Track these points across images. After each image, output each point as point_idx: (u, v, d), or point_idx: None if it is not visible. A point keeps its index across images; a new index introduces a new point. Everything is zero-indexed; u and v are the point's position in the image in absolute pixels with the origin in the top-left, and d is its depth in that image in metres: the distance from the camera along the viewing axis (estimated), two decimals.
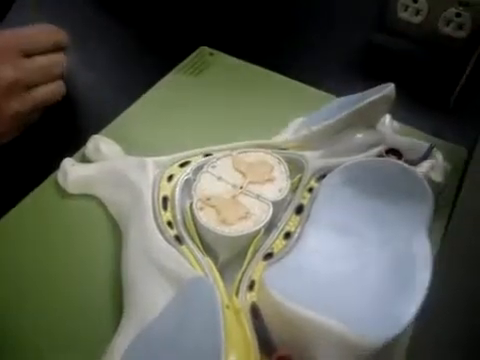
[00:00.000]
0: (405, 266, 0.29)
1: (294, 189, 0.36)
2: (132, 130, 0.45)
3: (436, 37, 0.53)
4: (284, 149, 0.39)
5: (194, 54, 0.54)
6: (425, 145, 0.38)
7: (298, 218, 0.34)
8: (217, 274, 0.31)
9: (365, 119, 0.38)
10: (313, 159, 0.37)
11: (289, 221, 0.34)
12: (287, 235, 0.33)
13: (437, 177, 0.36)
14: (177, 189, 0.35)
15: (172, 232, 0.33)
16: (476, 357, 0.29)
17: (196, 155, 0.38)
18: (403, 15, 0.53)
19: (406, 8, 0.53)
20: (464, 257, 0.33)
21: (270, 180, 0.36)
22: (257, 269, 0.31)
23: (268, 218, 0.33)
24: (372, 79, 0.41)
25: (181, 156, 0.38)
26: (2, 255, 0.36)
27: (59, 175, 0.40)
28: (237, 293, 0.30)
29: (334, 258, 0.31)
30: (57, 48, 0.44)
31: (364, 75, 0.54)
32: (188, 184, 0.36)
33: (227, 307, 0.28)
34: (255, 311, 0.28)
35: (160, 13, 0.62)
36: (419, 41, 0.55)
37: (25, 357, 0.31)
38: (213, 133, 0.43)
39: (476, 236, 0.33)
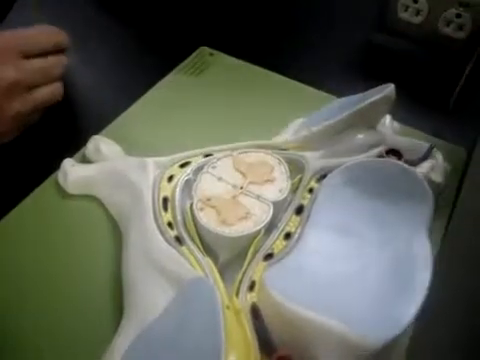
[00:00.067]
0: (405, 266, 0.29)
1: (294, 189, 0.36)
2: (132, 130, 0.45)
3: (436, 37, 0.53)
4: (284, 149, 0.39)
5: (194, 54, 0.54)
6: (425, 146, 0.38)
7: (298, 218, 0.34)
8: (217, 275, 0.31)
9: (365, 120, 0.38)
10: (313, 159, 0.37)
11: (289, 222, 0.34)
12: (287, 235, 0.33)
13: (437, 177, 0.36)
14: (177, 190, 0.35)
15: (172, 233, 0.33)
16: (476, 358, 0.29)
17: (196, 155, 0.38)
18: (403, 15, 0.53)
19: (406, 8, 0.53)
20: (464, 257, 0.33)
21: (270, 180, 0.36)
22: (257, 270, 0.31)
23: (268, 218, 0.33)
24: (372, 79, 0.41)
25: (181, 156, 0.38)
26: (3, 255, 0.36)
27: (59, 175, 0.40)
28: (237, 294, 0.30)
29: (334, 258, 0.31)
30: (57, 49, 0.44)
31: (364, 75, 0.54)
32: (188, 185, 0.36)
33: (227, 308, 0.28)
34: (255, 311, 0.28)
35: (160, 13, 0.62)
36: (419, 41, 0.55)
37: (25, 357, 0.31)
38: (213, 133, 0.43)
39: (476, 236, 0.33)
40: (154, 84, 0.50)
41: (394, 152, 0.37)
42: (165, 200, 0.35)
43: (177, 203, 0.34)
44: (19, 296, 0.34)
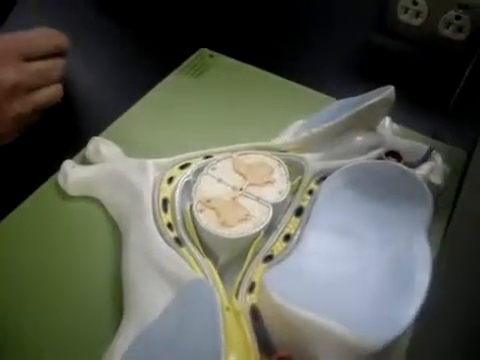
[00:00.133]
0: (405, 268, 0.29)
1: (294, 191, 0.36)
2: (132, 132, 0.45)
3: (436, 39, 0.53)
4: (284, 151, 0.39)
5: (194, 56, 0.54)
6: (424, 147, 0.38)
7: (298, 220, 0.34)
8: (217, 276, 0.31)
9: (365, 121, 0.38)
10: (313, 161, 0.37)
11: (289, 223, 0.34)
12: (287, 237, 0.33)
13: (436, 179, 0.36)
14: (177, 191, 0.35)
15: (172, 234, 0.33)
16: (476, 359, 0.29)
17: (196, 157, 0.38)
18: (403, 17, 0.54)
19: (406, 10, 0.53)
20: (463, 259, 0.33)
21: (270, 182, 0.36)
22: (257, 271, 0.31)
23: (268, 220, 0.33)
24: (372, 81, 0.41)
25: (181, 158, 0.38)
26: (3, 256, 0.36)
27: (59, 177, 0.40)
28: (237, 295, 0.30)
29: (334, 260, 0.32)
30: (58, 52, 0.44)
31: (364, 77, 0.54)
32: (188, 186, 0.36)
33: (227, 309, 0.28)
34: (255, 313, 0.28)
35: (160, 15, 0.62)
36: (419, 43, 0.55)
37: (25, 357, 0.31)
38: (213, 135, 0.43)
39: (475, 238, 0.33)
40: (154, 85, 0.50)
41: (394, 154, 0.37)
42: (165, 201, 0.35)
43: (177, 204, 0.34)
44: (19, 296, 0.34)
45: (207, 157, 0.38)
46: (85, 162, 0.41)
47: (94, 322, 0.32)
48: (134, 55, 0.57)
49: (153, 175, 0.37)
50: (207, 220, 0.33)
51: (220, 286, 0.30)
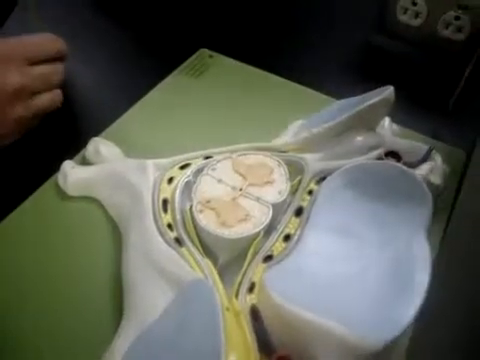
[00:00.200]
0: (404, 268, 0.29)
1: (294, 191, 0.36)
2: (132, 132, 0.45)
3: (435, 40, 0.53)
4: (284, 151, 0.39)
5: (194, 56, 0.54)
6: (424, 147, 0.38)
7: (298, 220, 0.34)
8: (217, 276, 0.31)
9: (365, 122, 0.38)
10: (313, 161, 0.37)
11: (289, 223, 0.34)
12: (287, 237, 0.33)
13: (436, 179, 0.36)
14: (177, 191, 0.35)
15: (172, 234, 0.33)
16: (476, 359, 0.29)
17: (196, 157, 0.38)
18: (402, 18, 0.54)
19: (405, 11, 0.53)
20: (463, 259, 0.33)
21: (270, 182, 0.36)
22: (257, 271, 0.31)
23: (268, 220, 0.33)
24: (371, 81, 0.41)
25: (181, 158, 0.38)
26: (3, 257, 0.36)
27: (59, 177, 0.40)
28: (237, 295, 0.30)
29: (334, 260, 0.32)
30: (59, 57, 0.44)
31: (363, 77, 0.54)
32: (188, 186, 0.36)
33: (227, 309, 0.28)
34: (255, 313, 0.28)
35: (159, 15, 0.62)
36: (418, 44, 0.55)
37: (25, 357, 0.31)
38: (213, 135, 0.43)
39: (475, 238, 0.33)
40: (153, 86, 0.50)
41: (393, 154, 0.37)
42: (165, 202, 0.35)
43: (177, 205, 0.35)
44: (19, 297, 0.34)
45: (207, 157, 0.38)
46: (85, 163, 0.41)
47: (94, 322, 0.32)
48: (133, 56, 0.57)
49: (153, 175, 0.37)
50: (207, 220, 0.33)
51: (220, 286, 0.30)
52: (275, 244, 0.33)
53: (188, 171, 0.37)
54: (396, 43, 0.57)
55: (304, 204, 0.35)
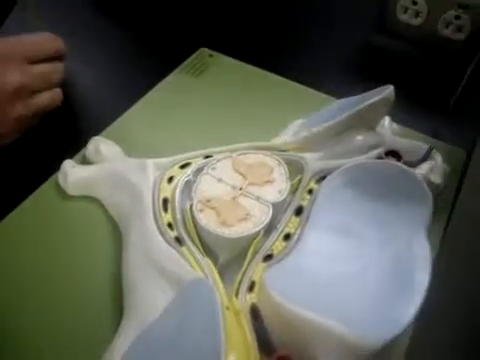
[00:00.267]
0: (405, 267, 0.29)
1: (294, 191, 0.36)
2: (132, 131, 0.45)
3: (435, 39, 0.53)
4: (284, 151, 0.39)
5: (194, 55, 0.54)
6: (424, 147, 0.38)
7: (298, 220, 0.34)
8: (217, 275, 0.31)
9: (365, 121, 0.38)
10: (313, 161, 0.37)
11: (289, 223, 0.34)
12: (287, 236, 0.33)
13: (436, 179, 0.36)
14: (177, 191, 0.35)
15: (172, 233, 0.33)
16: (476, 359, 0.29)
17: (196, 157, 0.38)
18: (403, 17, 0.54)
19: (405, 10, 0.53)
20: (463, 259, 0.33)
21: (270, 182, 0.36)
22: (257, 270, 0.31)
23: (268, 220, 0.33)
24: (371, 81, 0.41)
25: (181, 158, 0.38)
26: (3, 256, 0.36)
27: (59, 177, 0.40)
28: (237, 294, 0.30)
29: (334, 259, 0.32)
30: (58, 56, 0.44)
31: (363, 76, 0.54)
32: (188, 186, 0.36)
33: (227, 308, 0.28)
34: (255, 312, 0.28)
35: (159, 15, 0.62)
36: (418, 43, 0.55)
37: (25, 357, 0.31)
38: (213, 134, 0.43)
39: (475, 238, 0.33)
40: (154, 85, 0.50)
41: (393, 153, 0.37)
42: (165, 201, 0.35)
43: (177, 204, 0.35)
44: (19, 296, 0.34)
45: (207, 157, 0.38)
46: (85, 162, 0.41)
47: (94, 322, 0.32)
48: (133, 55, 0.57)
49: (153, 175, 0.37)
50: (207, 220, 0.33)
51: (220, 285, 0.30)
52: (275, 243, 0.33)
53: (188, 170, 0.37)
54: (396, 42, 0.57)
55: (304, 203, 0.35)
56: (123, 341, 0.29)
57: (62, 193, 0.39)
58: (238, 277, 0.31)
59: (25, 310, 0.33)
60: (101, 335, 0.31)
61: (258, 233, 0.33)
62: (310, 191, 0.36)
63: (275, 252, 0.33)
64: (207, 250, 0.33)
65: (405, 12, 0.53)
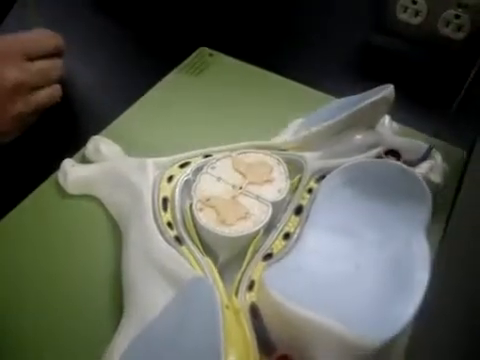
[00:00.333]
0: (404, 266, 0.29)
1: (293, 190, 0.36)
2: (132, 131, 0.45)
3: (435, 38, 0.53)
4: (283, 150, 0.39)
5: (194, 55, 0.54)
6: (424, 146, 0.38)
7: (297, 219, 0.34)
8: (217, 274, 0.31)
9: (364, 120, 0.38)
10: (312, 160, 0.37)
11: (288, 222, 0.34)
12: (286, 236, 0.33)
13: (436, 178, 0.36)
14: (177, 190, 0.35)
15: (172, 233, 0.33)
16: (476, 359, 0.29)
17: (196, 156, 0.38)
18: (402, 16, 0.54)
19: (405, 9, 0.53)
20: (463, 258, 0.33)
21: (269, 181, 0.36)
22: (256, 269, 0.31)
23: (267, 219, 0.33)
24: (371, 80, 0.41)
25: (181, 157, 0.38)
26: (3, 255, 0.36)
27: (59, 176, 0.40)
28: (236, 293, 0.30)
29: (333, 259, 0.32)
30: (56, 52, 0.44)
31: (363, 76, 0.54)
32: (188, 185, 0.36)
33: (227, 307, 0.28)
34: (254, 311, 0.28)
35: (159, 14, 0.62)
36: (418, 42, 0.55)
37: (25, 357, 0.31)
38: (213, 133, 0.43)
39: (475, 237, 0.33)
40: (153, 84, 0.50)
41: (393, 153, 0.37)
42: (165, 200, 0.35)
43: (177, 203, 0.35)
44: (19, 296, 0.34)
45: (207, 156, 0.38)
46: (85, 161, 0.41)
47: (94, 321, 0.32)
48: (133, 54, 0.57)
49: (153, 174, 0.37)
50: (207, 219, 0.33)
51: (220, 284, 0.30)
52: (275, 242, 0.33)
53: (188, 169, 0.37)
54: (396, 41, 0.57)
55: (304, 202, 0.35)
56: (123, 340, 0.29)
57: (62, 192, 0.39)
58: (238, 276, 0.31)
59: (25, 309, 0.33)
60: (101, 334, 0.31)
61: (258, 232, 0.33)
62: (310, 190, 0.36)
63: (275, 251, 0.33)
64: (207, 249, 0.33)
65: (405, 11, 0.53)
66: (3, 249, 0.36)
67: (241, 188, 0.35)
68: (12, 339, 0.32)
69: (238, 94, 0.50)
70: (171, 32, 0.59)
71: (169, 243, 0.32)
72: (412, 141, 0.39)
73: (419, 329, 0.28)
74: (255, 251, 0.32)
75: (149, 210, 0.34)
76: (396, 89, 0.37)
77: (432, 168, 0.36)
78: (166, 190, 0.36)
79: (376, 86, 0.38)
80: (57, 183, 0.40)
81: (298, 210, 0.35)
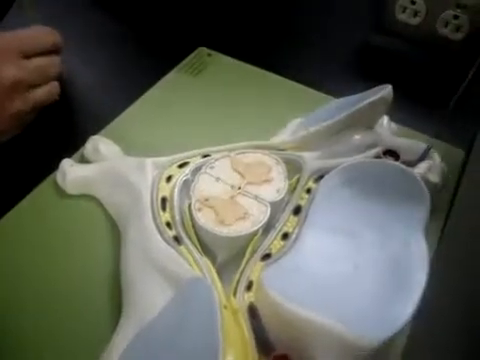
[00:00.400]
0: (402, 266, 0.29)
1: (292, 190, 0.36)
2: (131, 131, 0.45)
3: (434, 39, 0.53)
4: (282, 150, 0.39)
5: (192, 55, 0.54)
6: (422, 146, 0.38)
7: (296, 219, 0.34)
8: (215, 274, 0.31)
9: (363, 120, 0.38)
10: (311, 160, 0.37)
11: (287, 222, 0.34)
12: (285, 236, 0.34)
13: (434, 178, 0.36)
14: (176, 190, 0.35)
15: (171, 233, 0.33)
16: (473, 358, 0.29)
17: (194, 156, 0.39)
18: (401, 16, 0.54)
19: (404, 9, 0.53)
20: (461, 258, 0.33)
21: (268, 181, 0.36)
22: (255, 269, 0.31)
23: (266, 219, 0.33)
24: (370, 80, 0.41)
25: (180, 157, 0.38)
26: (1, 256, 0.36)
27: (58, 175, 0.40)
28: (235, 293, 0.30)
29: (332, 259, 0.32)
30: (53, 49, 0.44)
31: (362, 76, 0.54)
32: (187, 185, 0.36)
33: (225, 307, 0.28)
34: (253, 311, 0.29)
35: (158, 14, 0.62)
36: (417, 42, 0.55)
37: (25, 357, 0.31)
38: (211, 133, 0.43)
39: (473, 237, 0.33)
40: (152, 84, 0.50)
41: (391, 153, 0.37)
42: (163, 200, 0.35)
43: (175, 203, 0.35)
44: (18, 297, 0.34)
45: (205, 156, 0.38)
46: (84, 161, 0.41)
47: (94, 321, 0.32)
48: (132, 54, 0.57)
49: (151, 174, 0.37)
50: (205, 219, 0.33)
51: (218, 284, 0.30)
52: (273, 242, 0.33)
53: (186, 169, 0.37)
54: (395, 42, 0.57)
55: (302, 202, 0.35)
56: (121, 340, 0.29)
57: (60, 192, 0.39)
58: (236, 276, 0.31)
59: (24, 310, 0.33)
60: (100, 335, 0.31)
61: (256, 232, 0.33)
62: (308, 190, 0.36)
63: (273, 251, 0.33)
64: (205, 249, 0.33)
65: (403, 11, 0.53)
66: (2, 249, 0.36)
67: (240, 188, 0.35)
68: (12, 339, 0.32)
69: (237, 94, 0.50)
70: (170, 32, 0.59)
71: (168, 243, 0.32)
72: (410, 141, 0.39)
73: (417, 329, 0.28)
74: (253, 251, 0.32)
75: (148, 210, 0.34)
76: (395, 89, 0.37)
77: (430, 168, 0.36)
78: (165, 190, 0.36)
79: (375, 86, 0.38)
80: (56, 183, 0.40)
81: (297, 210, 0.35)
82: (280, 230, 0.34)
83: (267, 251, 0.32)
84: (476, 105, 0.49)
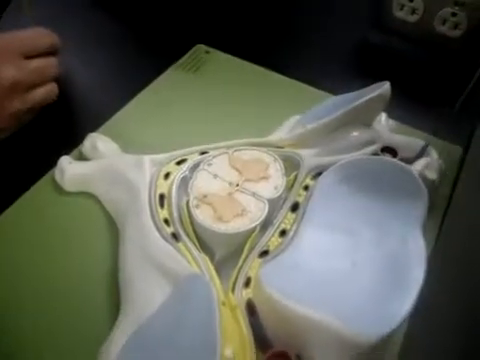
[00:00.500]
0: (399, 263, 0.29)
1: (290, 187, 0.36)
2: (129, 128, 0.45)
3: (432, 36, 0.53)
4: (280, 147, 0.39)
5: (190, 52, 0.54)
6: (420, 143, 0.38)
7: (294, 216, 0.34)
8: (213, 271, 0.31)
9: (361, 117, 0.38)
10: (309, 157, 0.37)
11: (285, 219, 0.34)
12: (283, 233, 0.34)
13: (432, 175, 0.36)
14: (174, 187, 0.35)
15: (169, 229, 0.33)
16: (471, 357, 0.29)
17: (192, 153, 0.39)
18: (399, 14, 0.54)
19: (402, 7, 0.53)
20: (458, 255, 0.33)
21: (266, 178, 0.36)
22: (253, 266, 0.31)
23: (264, 215, 0.33)
24: (368, 77, 0.41)
25: (178, 154, 0.38)
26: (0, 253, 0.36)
27: (56, 173, 0.40)
28: (233, 290, 0.30)
29: (329, 255, 0.32)
30: (52, 50, 0.44)
31: (360, 73, 0.54)
32: (184, 182, 0.36)
33: (223, 304, 0.28)
34: (251, 308, 0.29)
35: (156, 11, 0.62)
36: (415, 40, 0.55)
37: (24, 355, 0.31)
38: (209, 131, 0.43)
39: (470, 235, 0.33)
40: (150, 82, 0.50)
41: (389, 150, 0.37)
42: (161, 197, 0.35)
43: (173, 200, 0.35)
44: (17, 294, 0.34)
45: (203, 153, 0.38)
46: (82, 158, 0.41)
47: (92, 319, 0.32)
48: (130, 52, 0.57)
49: (149, 171, 0.37)
50: (203, 215, 0.33)
51: (216, 281, 0.30)
52: (271, 239, 0.33)
53: (184, 166, 0.37)
54: (392, 39, 0.57)
55: (300, 199, 0.35)
56: (120, 336, 0.29)
57: (59, 189, 0.39)
58: (234, 273, 0.31)
59: (23, 308, 0.33)
60: (99, 333, 0.31)
61: (254, 229, 0.33)
62: (306, 187, 0.36)
63: (271, 248, 0.33)
64: (203, 246, 0.33)
65: (401, 9, 0.53)
66: (0, 247, 0.36)
67: (237, 185, 0.35)
68: (11, 338, 0.32)
69: (235, 91, 0.50)
70: (168, 29, 0.59)
71: (166, 240, 0.32)
72: (408, 138, 0.39)
73: (414, 326, 0.28)
74: (251, 248, 0.32)
75: (146, 207, 0.34)
76: (393, 87, 0.37)
77: (428, 165, 0.36)
78: (163, 187, 0.36)
79: (373, 83, 0.38)
80: (54, 180, 0.40)
81: (294, 207, 0.35)
82: (278, 227, 0.34)
83: (265, 248, 0.33)
84: (475, 104, 0.50)
